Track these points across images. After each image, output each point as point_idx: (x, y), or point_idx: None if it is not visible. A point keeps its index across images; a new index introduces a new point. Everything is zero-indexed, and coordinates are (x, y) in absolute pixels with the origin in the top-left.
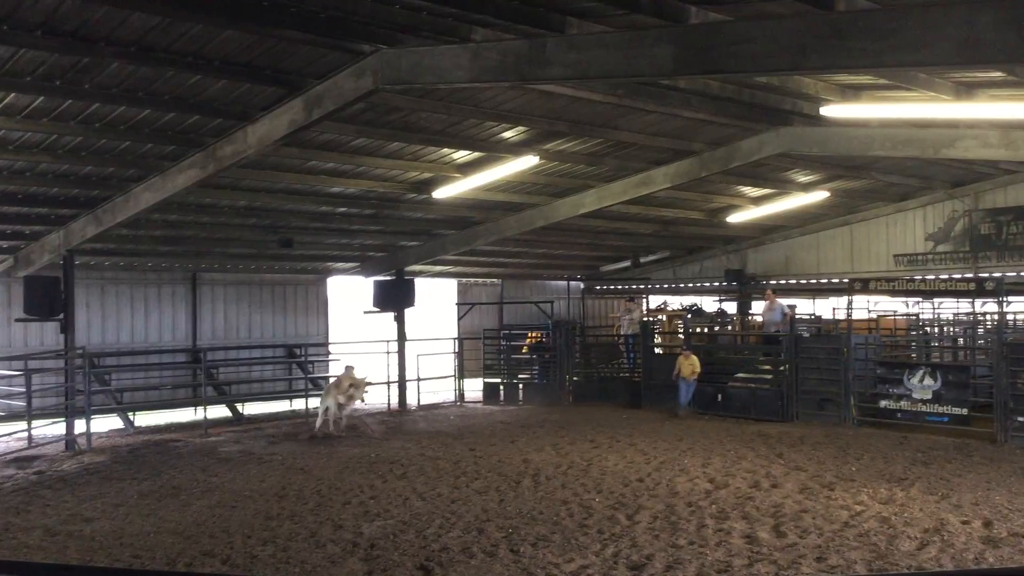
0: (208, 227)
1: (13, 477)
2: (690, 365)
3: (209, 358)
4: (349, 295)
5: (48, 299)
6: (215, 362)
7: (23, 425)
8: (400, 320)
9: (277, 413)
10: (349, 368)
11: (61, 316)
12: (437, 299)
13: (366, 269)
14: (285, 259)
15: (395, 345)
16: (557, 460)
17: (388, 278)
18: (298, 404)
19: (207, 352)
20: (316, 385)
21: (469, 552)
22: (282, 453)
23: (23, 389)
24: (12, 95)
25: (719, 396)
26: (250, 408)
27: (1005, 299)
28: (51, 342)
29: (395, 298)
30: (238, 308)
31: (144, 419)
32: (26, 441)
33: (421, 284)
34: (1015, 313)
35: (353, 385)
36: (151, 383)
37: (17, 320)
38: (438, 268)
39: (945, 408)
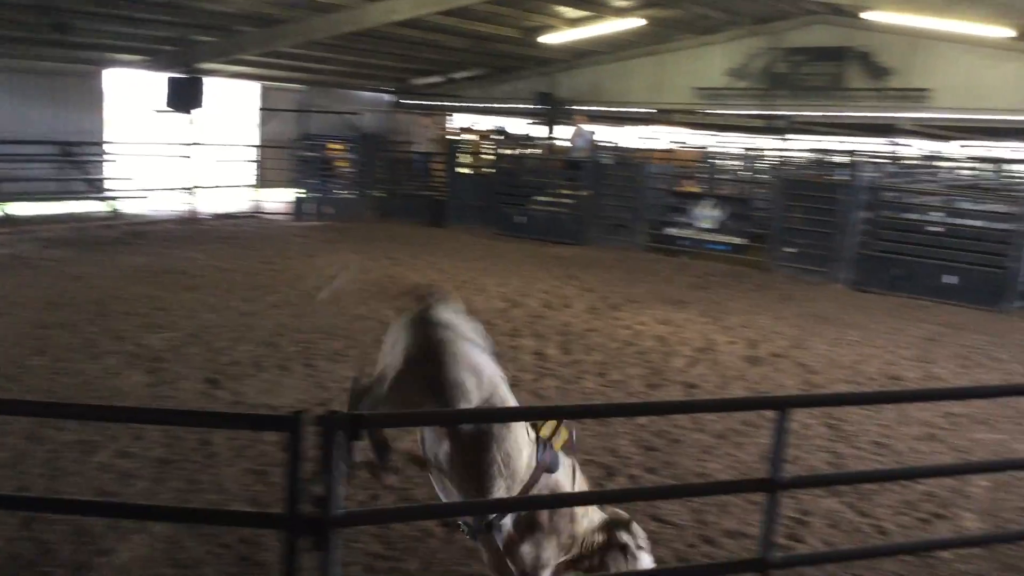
0: None
1: None
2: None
3: None
4: (140, 92)
5: None
6: None
7: None
8: (193, 122)
9: (53, 216)
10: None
11: None
12: (239, 103)
13: (156, 64)
14: (60, 46)
15: (188, 149)
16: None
17: (182, 76)
18: (75, 207)
19: None
20: (93, 187)
21: (260, 366)
22: (56, 258)
23: None
24: None
25: (524, 219)
26: (20, 209)
27: (787, 137)
28: None
29: (189, 98)
30: (6, 99)
31: None
32: None
33: (218, 84)
34: (797, 151)
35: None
36: None
37: None
38: (235, 68)
39: (726, 238)
